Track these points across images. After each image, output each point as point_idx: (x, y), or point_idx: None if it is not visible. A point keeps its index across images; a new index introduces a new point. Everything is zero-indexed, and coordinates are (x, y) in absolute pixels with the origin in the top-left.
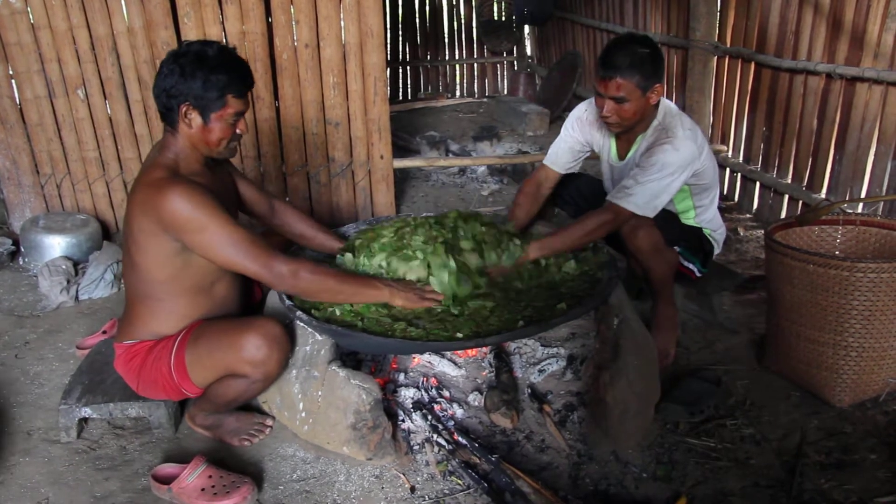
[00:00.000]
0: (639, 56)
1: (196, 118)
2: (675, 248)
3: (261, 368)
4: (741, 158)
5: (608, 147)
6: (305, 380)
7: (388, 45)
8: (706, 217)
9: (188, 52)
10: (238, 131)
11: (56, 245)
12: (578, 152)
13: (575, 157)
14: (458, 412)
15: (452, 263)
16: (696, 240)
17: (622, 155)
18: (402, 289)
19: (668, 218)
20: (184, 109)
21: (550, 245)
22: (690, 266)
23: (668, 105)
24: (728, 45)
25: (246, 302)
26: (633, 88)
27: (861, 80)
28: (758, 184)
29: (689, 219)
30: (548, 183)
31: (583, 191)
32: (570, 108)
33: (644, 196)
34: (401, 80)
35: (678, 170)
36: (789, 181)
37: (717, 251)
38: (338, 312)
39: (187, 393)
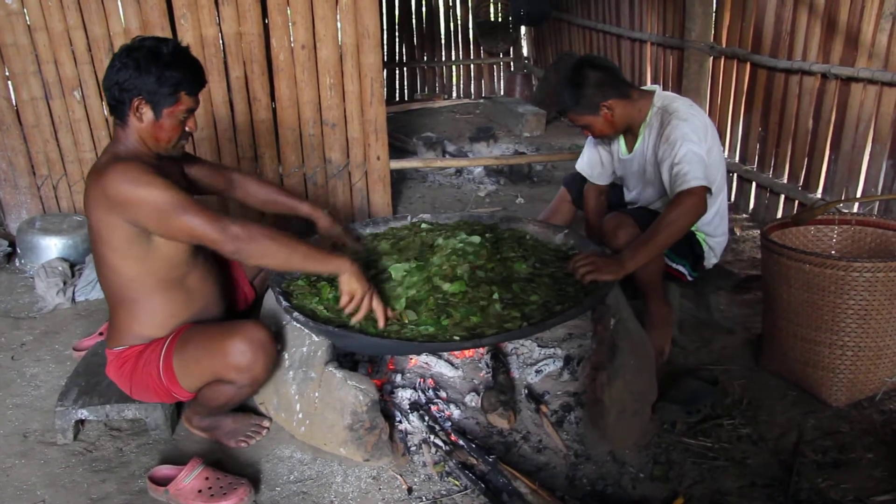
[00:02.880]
0: (568, 93)
1: (147, 112)
2: None
3: (247, 374)
4: (737, 159)
5: (618, 145)
6: (302, 381)
7: (385, 46)
8: (705, 218)
9: (142, 47)
10: (187, 129)
11: (52, 246)
12: (607, 164)
13: (603, 169)
14: (456, 413)
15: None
16: (683, 241)
17: (630, 148)
18: (360, 273)
19: (649, 218)
20: (136, 103)
21: (641, 252)
22: (679, 268)
23: (663, 93)
24: (724, 45)
25: (232, 304)
26: (583, 115)
27: (856, 80)
28: (754, 184)
29: None
30: (597, 192)
31: (608, 195)
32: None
33: (695, 168)
34: (397, 81)
35: (695, 135)
36: (785, 181)
37: (713, 260)
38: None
39: (178, 397)
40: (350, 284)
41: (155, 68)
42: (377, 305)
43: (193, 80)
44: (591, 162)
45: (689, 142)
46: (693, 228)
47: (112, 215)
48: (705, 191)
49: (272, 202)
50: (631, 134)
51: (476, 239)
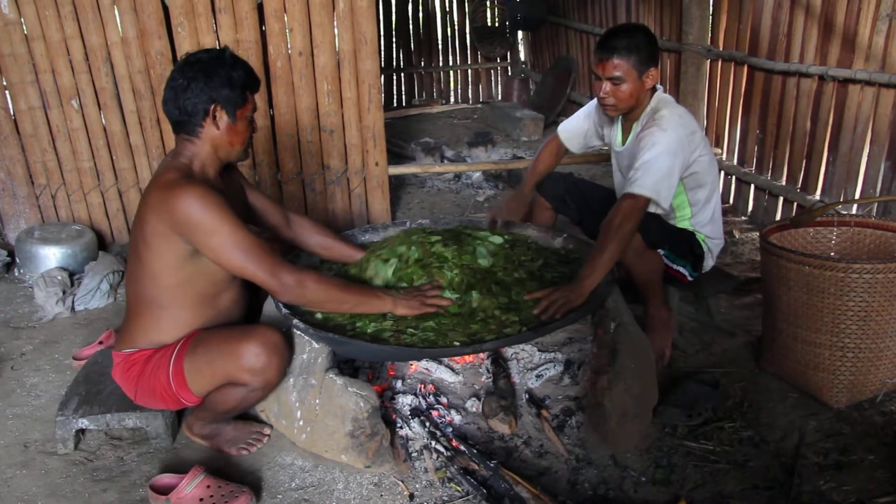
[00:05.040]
0: (635, 39)
1: (224, 118)
2: (660, 251)
3: (260, 376)
4: (735, 161)
5: (615, 135)
6: (303, 388)
7: (382, 52)
8: (701, 219)
9: (200, 59)
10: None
11: (52, 256)
12: (589, 138)
13: (584, 142)
14: (456, 418)
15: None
16: (683, 242)
17: (624, 141)
18: (405, 297)
19: (648, 220)
20: (213, 110)
21: (597, 267)
22: (680, 269)
23: (662, 95)
24: (721, 48)
25: (248, 311)
26: (629, 69)
27: (853, 81)
28: (752, 186)
29: (684, 218)
30: (561, 151)
31: (585, 195)
32: (564, 113)
33: (649, 177)
34: (395, 87)
35: (669, 148)
36: (784, 183)
37: (710, 262)
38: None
39: (185, 402)
40: (406, 311)
41: (223, 72)
42: (439, 301)
43: (254, 78)
44: (575, 130)
45: (658, 152)
46: (692, 229)
47: (170, 231)
48: (647, 203)
49: (327, 248)
50: (627, 127)
51: (498, 239)
